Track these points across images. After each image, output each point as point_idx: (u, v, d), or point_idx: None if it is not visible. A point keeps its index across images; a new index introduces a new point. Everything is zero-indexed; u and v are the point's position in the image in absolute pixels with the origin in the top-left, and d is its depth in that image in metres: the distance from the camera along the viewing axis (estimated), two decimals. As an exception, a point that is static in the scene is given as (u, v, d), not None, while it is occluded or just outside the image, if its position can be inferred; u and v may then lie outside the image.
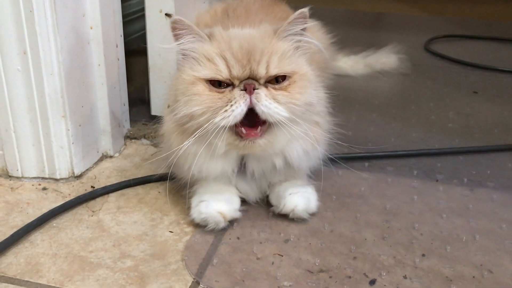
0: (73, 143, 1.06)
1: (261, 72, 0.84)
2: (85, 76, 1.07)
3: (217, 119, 0.82)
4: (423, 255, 0.88)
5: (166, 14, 1.22)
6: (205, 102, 0.84)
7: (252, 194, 0.99)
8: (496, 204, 1.03)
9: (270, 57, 0.85)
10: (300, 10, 0.89)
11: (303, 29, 0.90)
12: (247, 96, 0.83)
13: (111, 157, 1.18)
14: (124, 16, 1.18)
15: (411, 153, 1.21)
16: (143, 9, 1.26)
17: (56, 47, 0.97)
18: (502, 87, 1.69)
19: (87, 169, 1.12)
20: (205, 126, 0.83)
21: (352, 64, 1.75)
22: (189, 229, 0.94)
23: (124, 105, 1.24)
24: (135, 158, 1.18)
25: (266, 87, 0.85)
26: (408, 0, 3.23)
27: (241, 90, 0.83)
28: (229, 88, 0.84)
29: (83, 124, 1.08)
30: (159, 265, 0.85)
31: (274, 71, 0.85)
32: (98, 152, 1.15)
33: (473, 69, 1.86)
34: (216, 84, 0.85)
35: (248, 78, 0.84)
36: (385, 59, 1.76)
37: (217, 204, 0.93)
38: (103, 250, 0.88)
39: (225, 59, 0.84)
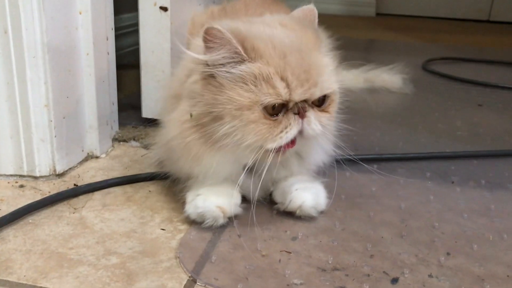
0: (55, 136, 0.96)
1: (317, 94, 0.78)
2: (72, 64, 0.98)
3: (269, 145, 0.76)
4: (448, 253, 0.78)
5: (161, 8, 1.15)
6: (261, 132, 0.76)
7: (255, 191, 0.89)
8: (519, 205, 0.94)
9: (323, 76, 0.78)
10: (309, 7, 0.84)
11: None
12: (300, 121, 0.77)
13: (97, 157, 1.08)
14: (116, 30, 1.10)
15: (422, 156, 1.12)
16: (135, 24, 1.19)
17: (40, 28, 0.89)
18: (506, 102, 1.63)
19: (70, 168, 1.01)
20: (250, 147, 0.77)
21: (352, 78, 1.69)
22: (183, 226, 0.83)
23: (113, 104, 1.14)
24: (123, 159, 1.08)
25: (312, 107, 0.79)
26: (400, 29, 3.24)
27: (295, 113, 0.77)
28: (282, 111, 0.77)
29: (67, 117, 0.98)
30: (149, 262, 0.74)
31: (325, 91, 0.79)
32: (83, 150, 1.05)
33: (474, 86, 1.81)
34: (270, 108, 0.76)
35: (301, 100, 0.77)
36: (387, 77, 1.70)
37: (216, 198, 0.82)
38: (85, 247, 0.77)
39: (286, 81, 0.75)
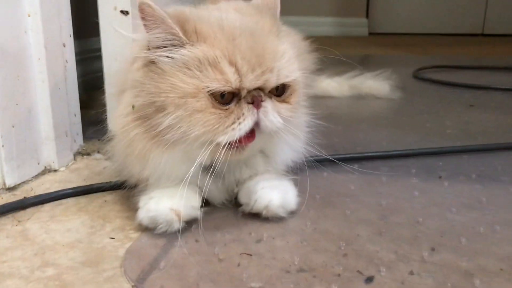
0: (3, 146, 0.88)
1: (273, 81, 0.70)
2: (21, 69, 0.92)
3: (220, 138, 0.68)
4: (433, 249, 0.69)
5: (122, 11, 1.09)
6: (209, 122, 0.68)
7: (218, 194, 0.81)
8: (514, 196, 0.85)
9: (280, 62, 0.71)
10: None
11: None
12: (255, 111, 0.69)
13: (55, 171, 1.00)
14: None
15: (408, 153, 1.03)
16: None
17: (-19, 28, 0.83)
18: (498, 102, 1.55)
19: (23, 182, 0.93)
20: (198, 142, 0.69)
21: (336, 86, 1.62)
22: (135, 234, 0.75)
23: (75, 115, 1.07)
24: (83, 172, 1.00)
25: (270, 97, 0.71)
26: (393, 46, 3.19)
27: (248, 103, 0.69)
28: (234, 101, 0.69)
29: (17, 126, 0.91)
30: (89, 272, 0.65)
31: (283, 79, 0.71)
32: (39, 163, 0.97)
33: (467, 89, 1.74)
34: (219, 96, 0.68)
35: (256, 88, 0.69)
36: (373, 83, 1.62)
37: (170, 200, 0.74)
38: (21, 259, 0.68)
39: (235, 66, 0.67)
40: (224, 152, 0.70)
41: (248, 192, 0.79)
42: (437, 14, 3.86)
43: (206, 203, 0.80)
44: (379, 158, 1.02)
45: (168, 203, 0.73)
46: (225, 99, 0.69)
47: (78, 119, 1.09)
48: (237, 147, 0.71)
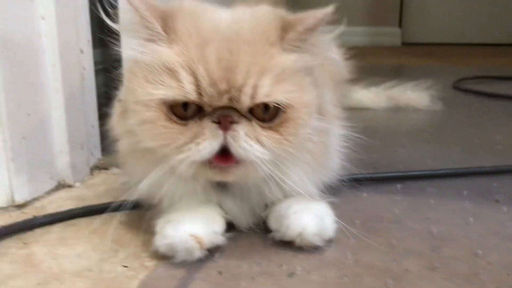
0: (12, 160, 0.81)
1: (244, 101, 0.59)
2: (34, 76, 0.85)
3: (179, 157, 0.60)
4: (498, 290, 0.58)
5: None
6: (160, 137, 0.60)
7: (242, 217, 0.71)
8: None
9: (260, 78, 0.59)
10: (323, 11, 0.62)
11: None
12: (220, 133, 0.59)
13: (70, 186, 0.93)
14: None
15: (457, 172, 0.92)
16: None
17: (-11, 30, 0.76)
18: (553, 116, 1.42)
19: (34, 198, 0.86)
20: (160, 154, 0.63)
21: (372, 96, 1.52)
22: (151, 263, 0.66)
23: (93, 127, 1.00)
24: (99, 188, 0.93)
25: (250, 119, 0.60)
26: (427, 56, 3.06)
27: (213, 122, 0.59)
28: (196, 116, 0.60)
29: (28, 137, 0.84)
30: (97, 308, 0.56)
31: (262, 99, 0.59)
32: (52, 178, 0.90)
33: (513, 101, 1.61)
34: (180, 108, 0.60)
35: (226, 106, 0.59)
36: (412, 94, 1.52)
37: (190, 224, 0.65)
38: (22, 290, 0.60)
39: (194, 76, 0.58)
40: (202, 171, 0.62)
41: (278, 217, 0.69)
42: (473, 23, 3.71)
43: (231, 226, 0.71)
44: (425, 178, 0.91)
45: (188, 228, 0.64)
46: (188, 113, 0.60)
47: (96, 130, 1.01)
48: (216, 167, 0.61)
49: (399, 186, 0.88)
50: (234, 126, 0.59)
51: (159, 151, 0.61)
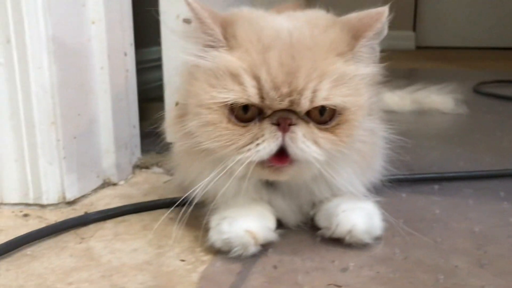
0: (64, 158, 0.84)
1: (304, 104, 0.61)
2: (84, 78, 0.88)
3: (238, 157, 0.62)
4: (547, 286, 0.60)
5: (185, 20, 1.04)
6: (222, 138, 0.63)
7: (291, 215, 0.74)
8: None
9: (319, 83, 0.61)
10: (382, 13, 0.65)
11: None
12: (279, 134, 0.61)
13: (114, 184, 0.96)
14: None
15: (492, 174, 0.94)
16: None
17: (46, 34, 0.79)
18: None
19: (83, 196, 0.89)
20: (220, 155, 0.65)
21: (397, 100, 1.54)
22: (207, 257, 0.69)
23: (134, 127, 1.03)
24: (143, 186, 0.96)
25: (307, 122, 0.63)
26: (443, 59, 3.08)
27: (273, 124, 0.62)
28: (256, 119, 0.62)
29: (79, 137, 0.87)
30: (163, 299, 0.59)
31: (321, 102, 0.62)
32: (98, 176, 0.93)
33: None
34: (241, 110, 0.62)
35: (285, 109, 0.62)
36: (437, 98, 1.54)
37: (245, 221, 0.68)
38: (87, 281, 0.63)
39: (257, 80, 0.61)
40: (257, 171, 0.64)
41: (327, 215, 0.72)
42: (486, 27, 3.73)
43: (279, 224, 0.74)
44: (460, 179, 0.93)
45: (243, 224, 0.67)
46: (248, 116, 0.62)
47: (137, 131, 1.05)
48: (271, 166, 0.64)
49: (436, 187, 0.91)
50: (293, 128, 0.62)
51: (219, 152, 0.64)
